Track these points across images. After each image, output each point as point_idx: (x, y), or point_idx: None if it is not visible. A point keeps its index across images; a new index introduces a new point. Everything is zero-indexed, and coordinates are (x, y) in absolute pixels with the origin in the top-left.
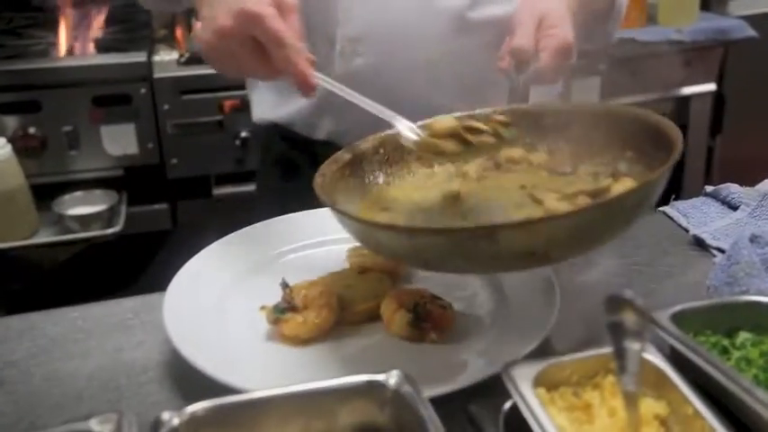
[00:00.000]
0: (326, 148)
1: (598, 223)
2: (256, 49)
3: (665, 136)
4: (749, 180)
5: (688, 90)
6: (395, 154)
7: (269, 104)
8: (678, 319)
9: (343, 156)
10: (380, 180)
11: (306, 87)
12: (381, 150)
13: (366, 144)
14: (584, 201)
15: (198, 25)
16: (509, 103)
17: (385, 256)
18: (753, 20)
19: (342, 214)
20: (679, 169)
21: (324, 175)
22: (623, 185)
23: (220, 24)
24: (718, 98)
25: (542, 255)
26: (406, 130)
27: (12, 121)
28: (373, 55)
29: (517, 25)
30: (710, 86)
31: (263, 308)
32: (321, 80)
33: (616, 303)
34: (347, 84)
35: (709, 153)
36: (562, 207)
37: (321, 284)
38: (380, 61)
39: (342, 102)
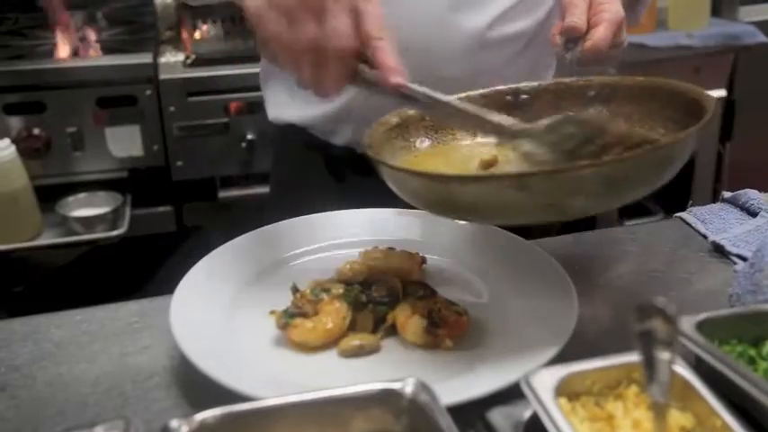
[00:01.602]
0: (345, 153)
1: (622, 177)
2: (350, 22)
3: (695, 102)
4: (760, 187)
5: None
6: (440, 121)
7: (284, 104)
8: (703, 327)
9: (391, 119)
10: (426, 145)
11: (398, 81)
12: (428, 117)
13: (412, 111)
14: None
15: None
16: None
17: (419, 206)
18: (763, 26)
19: (381, 163)
20: (688, 176)
21: (371, 136)
22: None
23: None
24: (728, 104)
25: (565, 206)
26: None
27: (16, 122)
28: None
29: (569, 5)
30: (720, 92)
31: (272, 312)
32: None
33: (646, 311)
34: (370, 97)
35: (718, 160)
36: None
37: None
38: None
39: (362, 111)
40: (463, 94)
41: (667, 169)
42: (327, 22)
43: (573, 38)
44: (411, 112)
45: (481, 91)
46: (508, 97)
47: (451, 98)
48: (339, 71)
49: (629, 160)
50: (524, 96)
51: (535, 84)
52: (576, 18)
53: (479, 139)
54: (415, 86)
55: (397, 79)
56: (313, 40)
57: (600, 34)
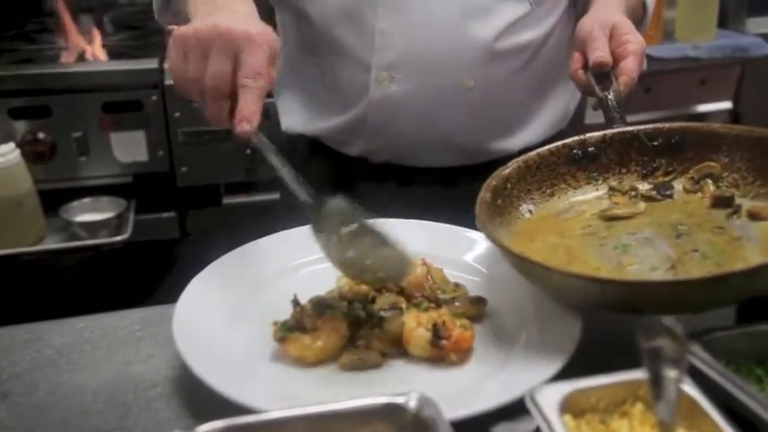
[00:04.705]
0: (359, 164)
1: None
2: (228, 65)
3: None
4: None
5: (704, 108)
6: (519, 185)
7: (297, 115)
8: (708, 345)
9: (485, 196)
10: (520, 212)
11: (243, 129)
12: (509, 185)
13: (495, 181)
14: None
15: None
16: (607, 121)
17: (569, 300)
18: None
19: (531, 263)
20: None
21: (480, 222)
22: None
23: (221, 22)
24: (734, 116)
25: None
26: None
27: (21, 126)
28: (408, 82)
29: (589, 40)
30: (726, 104)
31: (275, 323)
32: (259, 139)
33: (653, 329)
34: (383, 109)
35: None
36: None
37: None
38: (414, 88)
39: (374, 124)
40: (533, 153)
41: None
42: (210, 65)
43: (602, 73)
44: (494, 182)
45: (548, 147)
46: (575, 151)
47: (279, 162)
48: (215, 109)
49: None
50: (591, 149)
51: (600, 134)
52: (601, 52)
53: (578, 195)
54: (262, 140)
55: (243, 127)
56: (195, 80)
57: (630, 67)
